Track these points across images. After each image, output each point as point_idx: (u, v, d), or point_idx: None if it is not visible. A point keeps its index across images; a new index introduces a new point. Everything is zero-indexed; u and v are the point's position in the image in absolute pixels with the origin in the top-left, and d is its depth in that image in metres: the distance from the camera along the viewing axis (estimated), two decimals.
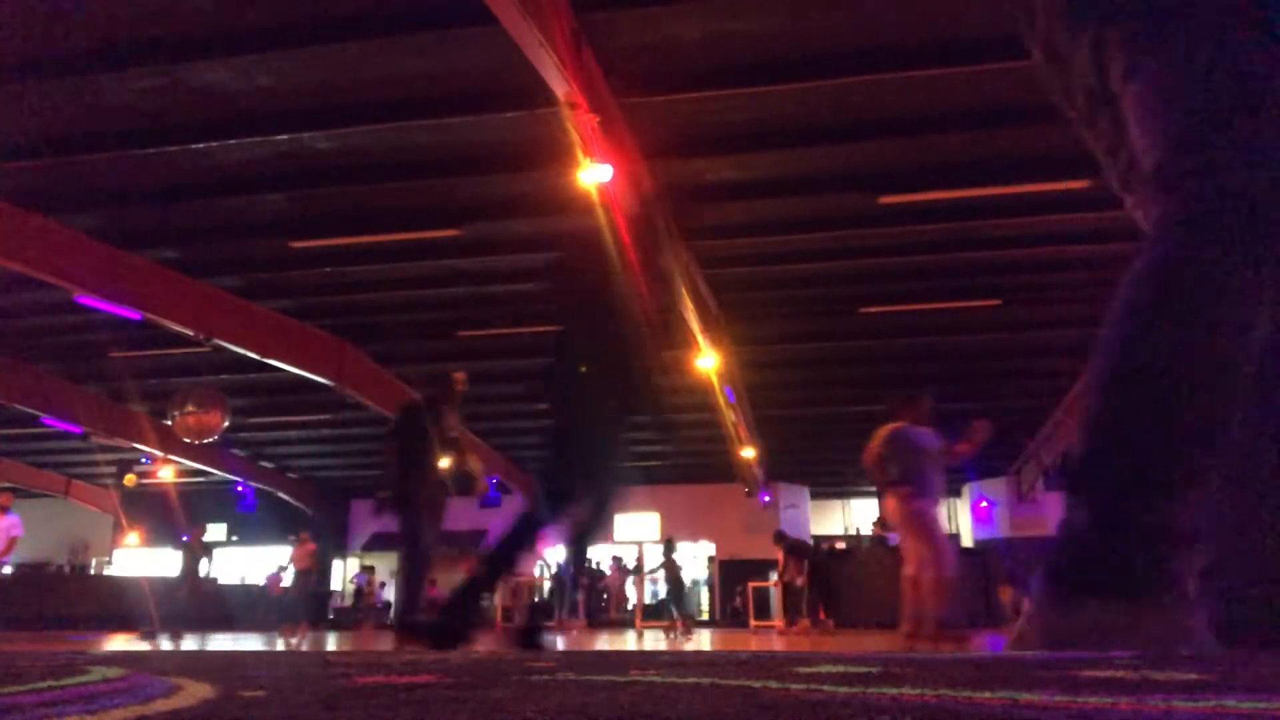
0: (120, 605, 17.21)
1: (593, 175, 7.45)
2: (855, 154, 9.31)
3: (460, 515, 23.09)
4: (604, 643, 8.31)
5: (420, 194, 10.12)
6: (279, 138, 8.59)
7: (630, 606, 21.58)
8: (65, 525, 26.56)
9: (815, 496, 25.58)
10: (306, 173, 9.52)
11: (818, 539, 23.80)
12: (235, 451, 21.82)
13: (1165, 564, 1.39)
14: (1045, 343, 13.97)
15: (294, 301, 13.13)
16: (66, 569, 26.07)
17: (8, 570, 19.65)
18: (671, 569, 13.94)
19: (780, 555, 13.71)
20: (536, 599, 18.04)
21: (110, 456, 20.33)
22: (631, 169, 8.33)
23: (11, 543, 10.65)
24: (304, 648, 7.01)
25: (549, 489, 3.58)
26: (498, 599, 16.22)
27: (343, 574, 26.27)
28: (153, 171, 9.49)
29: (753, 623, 14.63)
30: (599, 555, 23.77)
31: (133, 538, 25.67)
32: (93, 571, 25.93)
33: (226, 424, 13.65)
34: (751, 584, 15.69)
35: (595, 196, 7.94)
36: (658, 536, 24.44)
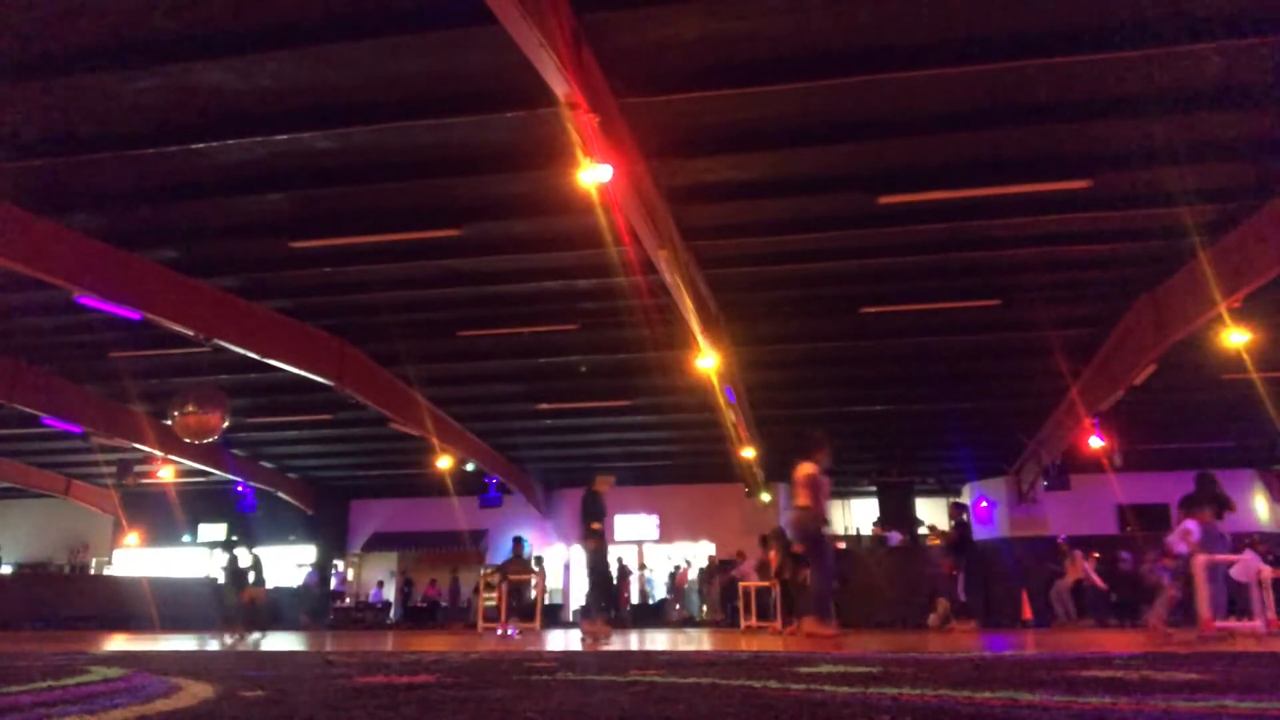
0: (120, 605, 17.24)
1: (593, 175, 7.44)
2: (855, 154, 9.31)
3: (461, 515, 23.13)
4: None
5: (420, 194, 10.12)
6: (279, 138, 8.58)
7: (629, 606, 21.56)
8: (65, 525, 26.58)
9: None
10: (306, 173, 9.52)
11: None
12: (235, 451, 21.82)
13: None
14: (1045, 343, 13.97)
15: (294, 301, 13.13)
16: (66, 569, 26.08)
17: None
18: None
19: (774, 553, 13.67)
20: None
21: (110, 456, 20.33)
22: (631, 169, 8.32)
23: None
24: None
25: None
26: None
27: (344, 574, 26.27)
28: (153, 171, 9.49)
29: (744, 623, 14.59)
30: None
31: (133, 538, 25.68)
32: (93, 571, 25.93)
33: (226, 424, 13.64)
34: (745, 584, 15.64)
35: (595, 196, 7.94)
36: (657, 536, 24.47)
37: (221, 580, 13.59)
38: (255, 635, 11.69)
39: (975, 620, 12.39)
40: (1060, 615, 14.42)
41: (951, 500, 13.67)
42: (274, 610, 20.49)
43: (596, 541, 9.73)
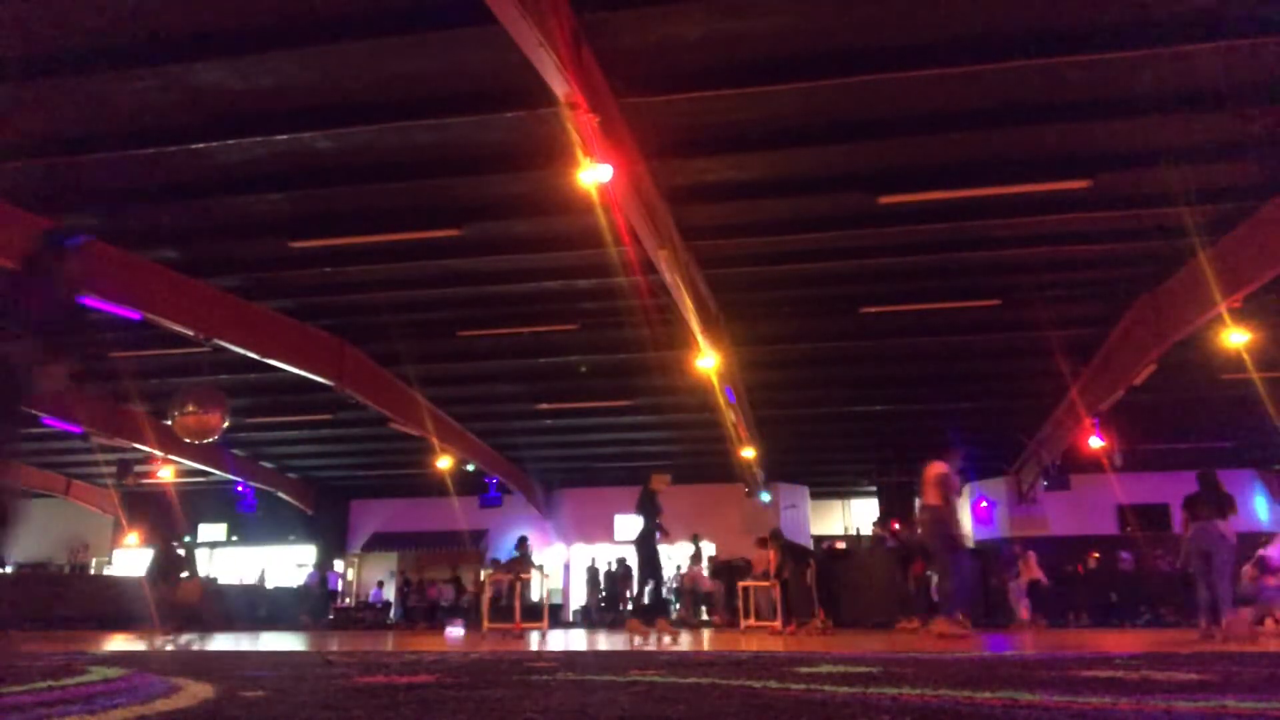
0: (120, 605, 17.22)
1: (593, 175, 7.44)
2: (855, 154, 9.31)
3: (461, 515, 23.13)
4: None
5: (420, 194, 10.12)
6: (279, 138, 8.59)
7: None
8: (65, 525, 26.57)
9: (815, 496, 25.58)
10: (306, 173, 9.52)
11: (818, 539, 23.78)
12: (235, 451, 21.81)
13: None
14: (1045, 343, 13.97)
15: (294, 301, 13.13)
16: (66, 569, 26.08)
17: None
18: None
19: (773, 553, 13.68)
20: None
21: (110, 456, 20.33)
22: (631, 169, 8.32)
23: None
24: None
25: None
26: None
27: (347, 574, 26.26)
28: (153, 171, 9.49)
29: (744, 623, 14.59)
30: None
31: (133, 538, 25.68)
32: (93, 571, 25.93)
33: (226, 424, 13.64)
34: (743, 584, 15.64)
35: (595, 196, 7.94)
36: (657, 536, 24.45)
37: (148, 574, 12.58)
38: (188, 636, 10.58)
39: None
40: (1017, 615, 14.47)
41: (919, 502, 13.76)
42: (274, 610, 20.51)
43: (652, 540, 9.72)
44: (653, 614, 9.93)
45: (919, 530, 12.98)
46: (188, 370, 15.10)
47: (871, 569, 15.89)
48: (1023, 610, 15.05)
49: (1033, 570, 14.84)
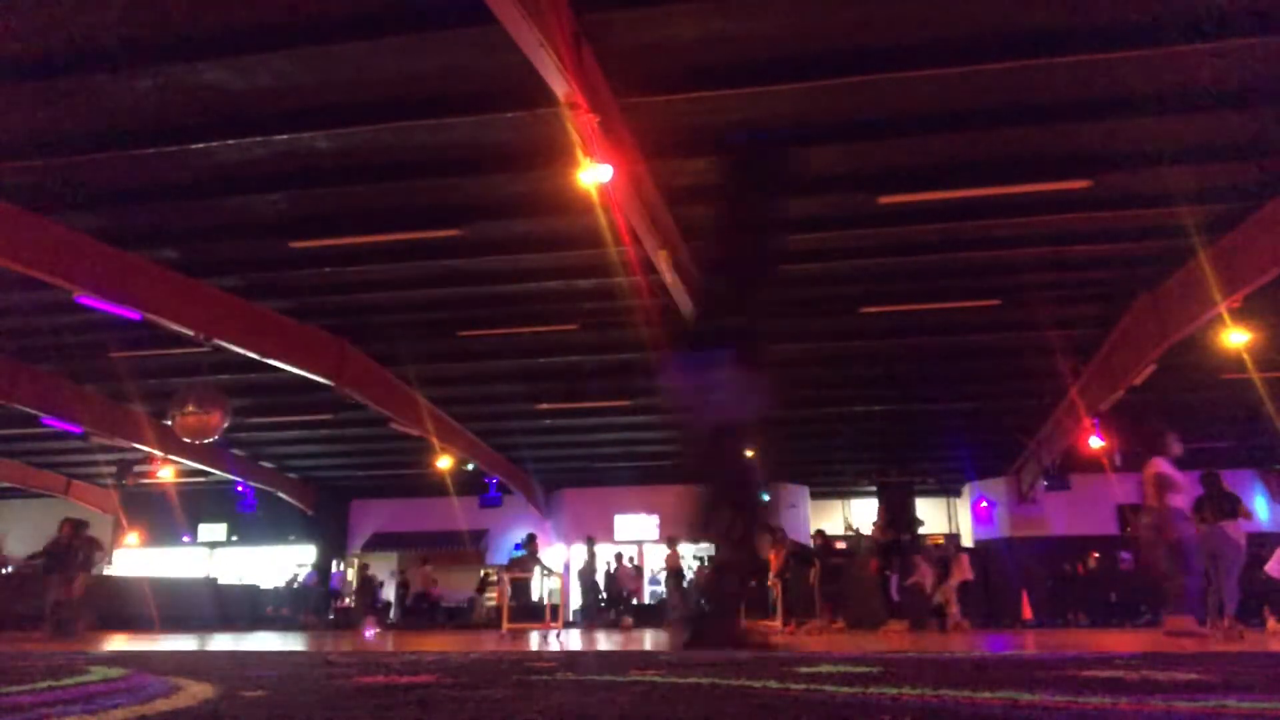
0: (120, 605, 17.24)
1: (593, 175, 7.45)
2: (855, 154, 9.31)
3: (461, 515, 23.11)
4: None
5: (420, 194, 10.12)
6: (279, 138, 8.58)
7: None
8: None
9: (815, 496, 25.56)
10: (306, 173, 9.52)
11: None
12: (235, 451, 21.81)
13: None
14: (1045, 343, 13.97)
15: (294, 301, 13.13)
16: None
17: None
18: None
19: (774, 553, 13.67)
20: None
21: (110, 456, 20.32)
22: (631, 169, 8.32)
23: None
24: None
25: None
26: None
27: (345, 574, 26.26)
28: (153, 171, 9.48)
29: (744, 623, 14.56)
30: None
31: (132, 538, 25.68)
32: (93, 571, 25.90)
33: (226, 424, 13.64)
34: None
35: (595, 196, 7.94)
36: (657, 536, 24.45)
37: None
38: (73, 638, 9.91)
39: (909, 620, 12.56)
40: (954, 615, 14.42)
41: (882, 507, 13.87)
42: (278, 609, 20.48)
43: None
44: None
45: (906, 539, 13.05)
46: (188, 370, 15.10)
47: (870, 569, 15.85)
48: (1026, 610, 15.05)
49: (965, 571, 14.82)
